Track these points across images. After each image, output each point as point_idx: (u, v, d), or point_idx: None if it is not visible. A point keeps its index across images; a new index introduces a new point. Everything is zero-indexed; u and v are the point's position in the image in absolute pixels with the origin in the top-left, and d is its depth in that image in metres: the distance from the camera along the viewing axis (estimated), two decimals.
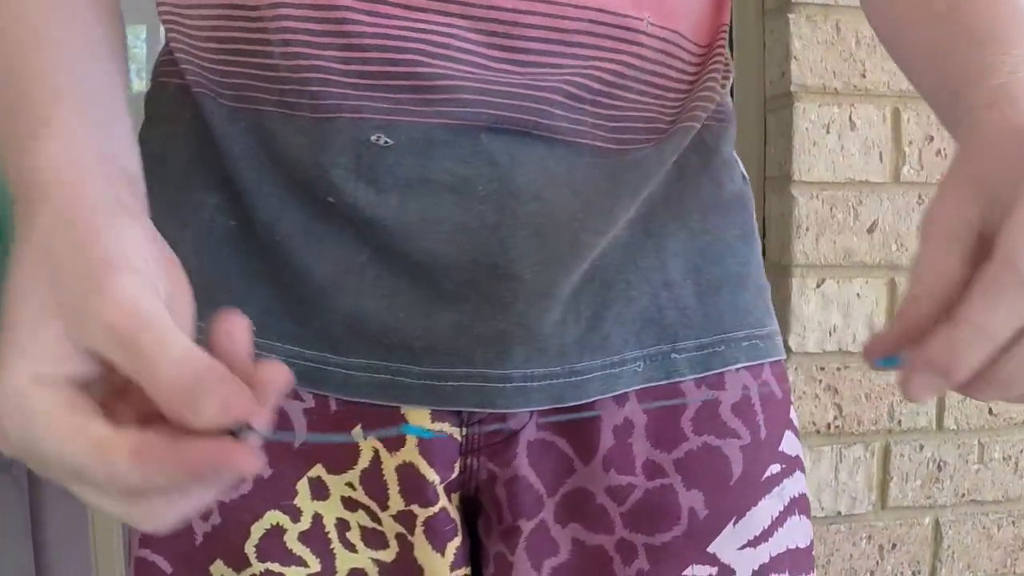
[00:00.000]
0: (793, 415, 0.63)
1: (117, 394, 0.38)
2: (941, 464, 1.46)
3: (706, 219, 0.60)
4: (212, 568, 0.59)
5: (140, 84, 1.45)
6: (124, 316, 0.35)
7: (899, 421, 1.45)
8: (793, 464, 0.62)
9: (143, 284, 0.37)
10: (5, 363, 0.36)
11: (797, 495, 0.62)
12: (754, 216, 0.64)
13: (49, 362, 0.36)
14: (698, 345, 0.59)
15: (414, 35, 0.50)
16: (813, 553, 0.63)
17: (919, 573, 1.48)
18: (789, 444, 0.62)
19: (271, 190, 0.55)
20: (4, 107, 0.44)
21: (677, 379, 0.58)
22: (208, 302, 0.49)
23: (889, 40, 0.54)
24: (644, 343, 0.58)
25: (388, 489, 0.57)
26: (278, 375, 0.36)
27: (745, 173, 0.65)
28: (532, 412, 0.57)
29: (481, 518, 0.61)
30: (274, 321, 0.56)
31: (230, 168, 0.55)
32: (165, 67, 0.60)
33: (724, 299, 0.60)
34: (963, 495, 1.47)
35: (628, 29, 0.54)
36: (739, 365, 0.59)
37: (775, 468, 0.61)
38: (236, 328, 0.37)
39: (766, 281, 0.64)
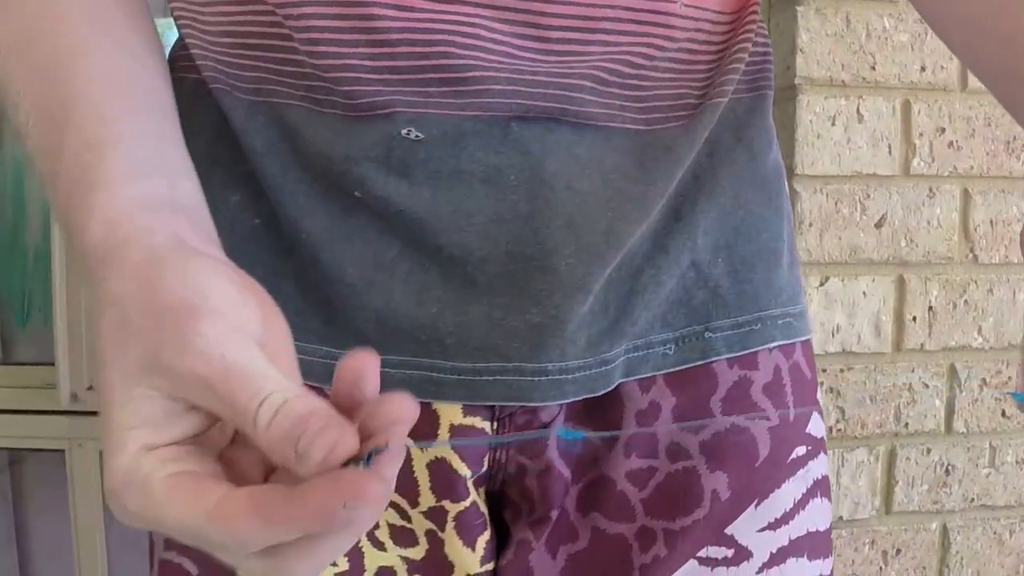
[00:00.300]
0: (819, 395, 0.63)
1: (240, 440, 0.38)
2: (949, 468, 1.43)
3: (739, 195, 0.59)
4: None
5: None
6: (212, 367, 0.35)
7: (906, 424, 1.41)
8: (818, 446, 0.62)
9: (227, 327, 0.36)
10: (111, 441, 0.36)
11: (820, 477, 0.62)
12: (786, 186, 0.64)
13: (155, 428, 0.36)
14: (734, 324, 0.58)
15: (442, 27, 0.50)
16: (831, 536, 0.63)
17: None
18: (815, 425, 0.62)
19: (295, 186, 0.54)
20: (58, 180, 0.43)
21: (713, 359, 0.58)
22: None
23: (947, 23, 0.54)
24: (673, 325, 0.58)
25: (419, 485, 0.57)
26: (404, 410, 0.35)
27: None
28: (561, 405, 0.57)
29: (508, 510, 0.61)
30: (303, 320, 0.55)
31: (252, 164, 0.54)
32: (180, 61, 0.58)
33: (759, 276, 0.59)
34: (972, 500, 1.44)
35: (660, 13, 0.53)
36: (774, 344, 0.59)
37: (801, 450, 0.60)
38: (367, 367, 0.36)
39: (797, 255, 0.63)
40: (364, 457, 0.34)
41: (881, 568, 1.43)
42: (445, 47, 0.50)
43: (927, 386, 1.41)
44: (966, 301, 1.40)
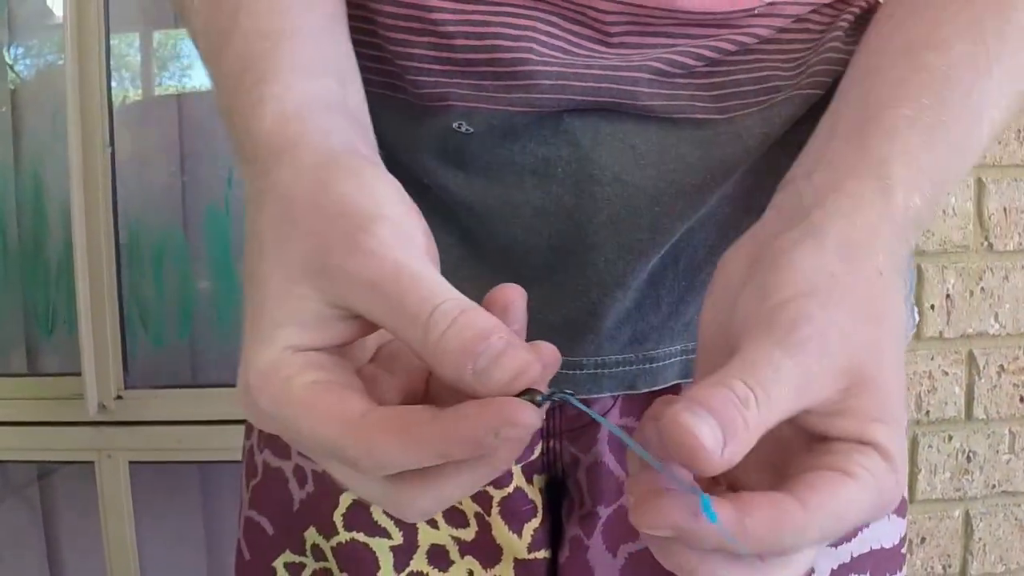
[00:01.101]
0: None
1: (382, 364, 0.36)
2: (971, 455, 1.44)
3: None
4: (306, 534, 0.60)
5: (136, 93, 1.42)
6: (386, 271, 0.32)
7: (927, 412, 1.42)
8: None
9: (401, 235, 0.34)
10: (257, 334, 0.34)
11: None
12: None
13: (306, 330, 0.33)
14: None
15: (495, 20, 0.50)
16: (903, 551, 0.61)
17: (950, 567, 1.46)
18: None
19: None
20: (224, 63, 0.42)
21: None
22: None
23: None
24: None
25: None
26: (554, 355, 0.34)
27: None
28: (616, 398, 0.56)
29: (565, 501, 0.61)
30: None
31: None
32: None
33: None
34: (994, 486, 1.45)
35: (734, 13, 0.51)
36: None
37: None
38: (517, 297, 0.34)
39: None
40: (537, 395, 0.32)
41: (907, 557, 1.44)
42: (496, 40, 0.50)
43: (947, 373, 1.42)
44: (983, 288, 1.42)
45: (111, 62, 1.30)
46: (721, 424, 0.31)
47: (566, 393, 0.34)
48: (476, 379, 0.31)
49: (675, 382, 0.56)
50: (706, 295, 0.40)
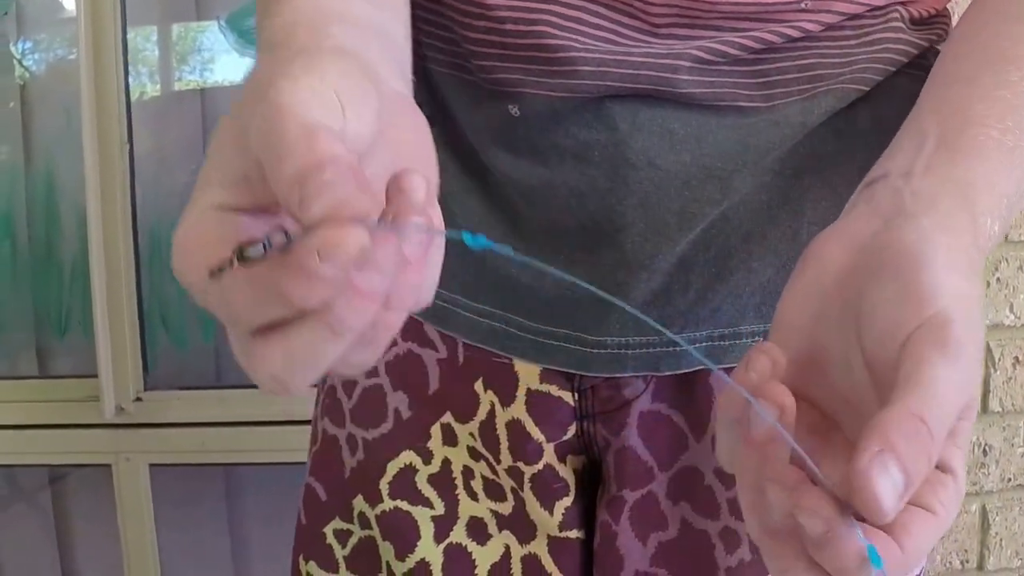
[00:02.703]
0: None
1: None
2: (987, 448, 1.45)
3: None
4: (355, 502, 0.63)
5: (154, 88, 1.40)
6: (275, 112, 0.32)
7: None
8: None
9: (316, 93, 0.33)
10: (192, 197, 0.34)
11: None
12: None
13: (226, 188, 0.34)
14: None
15: (545, 7, 0.52)
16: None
17: (967, 562, 1.47)
18: None
19: (441, 142, 0.57)
20: None
21: None
22: None
23: None
24: (767, 317, 0.56)
25: (500, 443, 0.60)
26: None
27: None
28: (648, 383, 0.58)
29: (601, 485, 0.62)
30: None
31: None
32: None
33: None
34: (1010, 480, 1.45)
35: (782, 8, 0.52)
36: None
37: None
38: (411, 183, 0.33)
39: None
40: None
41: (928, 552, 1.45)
42: (543, 27, 0.52)
43: None
44: (998, 279, 1.43)
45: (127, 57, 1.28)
46: (905, 476, 0.33)
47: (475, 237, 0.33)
48: (300, 208, 0.30)
49: (700, 368, 0.56)
50: (793, 279, 0.42)
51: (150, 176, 1.37)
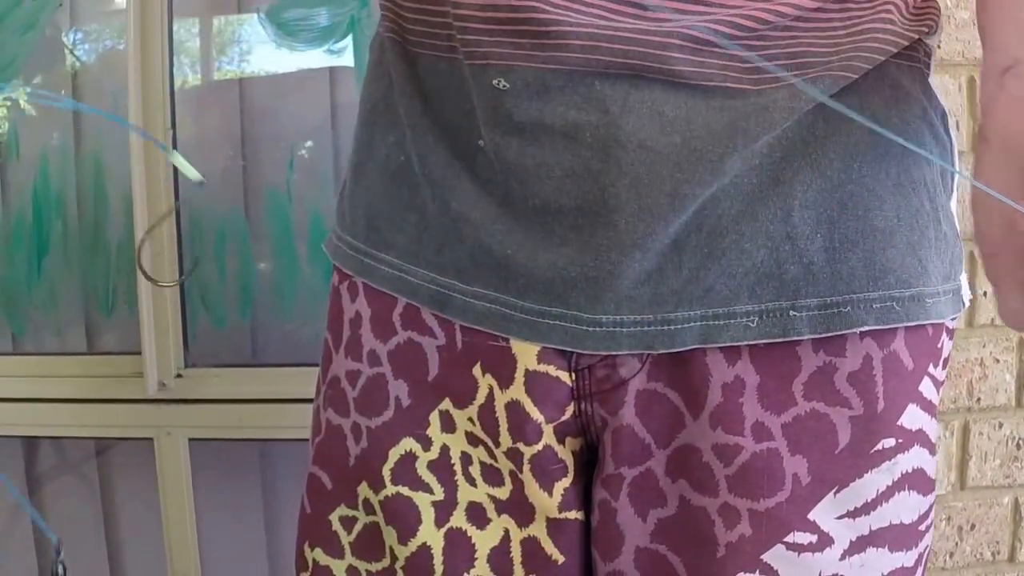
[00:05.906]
0: (926, 386, 0.60)
1: None
2: (1020, 442, 1.43)
3: (852, 167, 0.57)
4: (359, 489, 0.64)
5: (195, 77, 1.43)
6: None
7: (978, 399, 1.41)
8: (912, 439, 0.60)
9: None
10: None
11: (911, 470, 0.60)
12: (927, 164, 0.60)
13: None
14: (821, 304, 0.56)
15: None
16: (922, 528, 0.62)
17: (998, 554, 1.45)
18: (911, 418, 0.59)
19: (428, 127, 0.60)
20: None
21: (794, 337, 0.56)
22: (370, 228, 0.64)
23: None
24: (760, 298, 0.56)
25: (499, 426, 0.61)
26: None
27: (946, 114, 0.62)
28: (644, 362, 0.58)
29: (597, 465, 0.63)
30: (419, 249, 0.62)
31: (403, 107, 0.61)
32: (384, 21, 0.64)
33: (857, 256, 0.56)
34: None
35: None
36: (864, 328, 0.56)
37: (888, 442, 0.59)
38: None
39: (938, 234, 0.60)
40: None
41: (957, 544, 1.43)
42: (536, 1, 0.52)
43: (998, 361, 1.42)
44: None
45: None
46: None
47: None
48: None
49: (693, 347, 0.57)
50: (976, 208, 0.49)
51: (191, 160, 1.39)
